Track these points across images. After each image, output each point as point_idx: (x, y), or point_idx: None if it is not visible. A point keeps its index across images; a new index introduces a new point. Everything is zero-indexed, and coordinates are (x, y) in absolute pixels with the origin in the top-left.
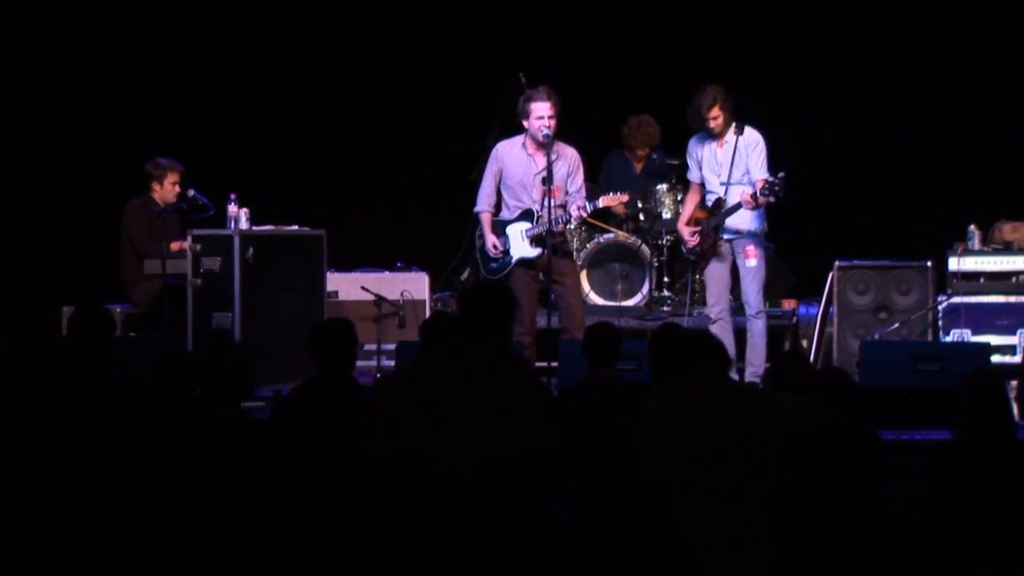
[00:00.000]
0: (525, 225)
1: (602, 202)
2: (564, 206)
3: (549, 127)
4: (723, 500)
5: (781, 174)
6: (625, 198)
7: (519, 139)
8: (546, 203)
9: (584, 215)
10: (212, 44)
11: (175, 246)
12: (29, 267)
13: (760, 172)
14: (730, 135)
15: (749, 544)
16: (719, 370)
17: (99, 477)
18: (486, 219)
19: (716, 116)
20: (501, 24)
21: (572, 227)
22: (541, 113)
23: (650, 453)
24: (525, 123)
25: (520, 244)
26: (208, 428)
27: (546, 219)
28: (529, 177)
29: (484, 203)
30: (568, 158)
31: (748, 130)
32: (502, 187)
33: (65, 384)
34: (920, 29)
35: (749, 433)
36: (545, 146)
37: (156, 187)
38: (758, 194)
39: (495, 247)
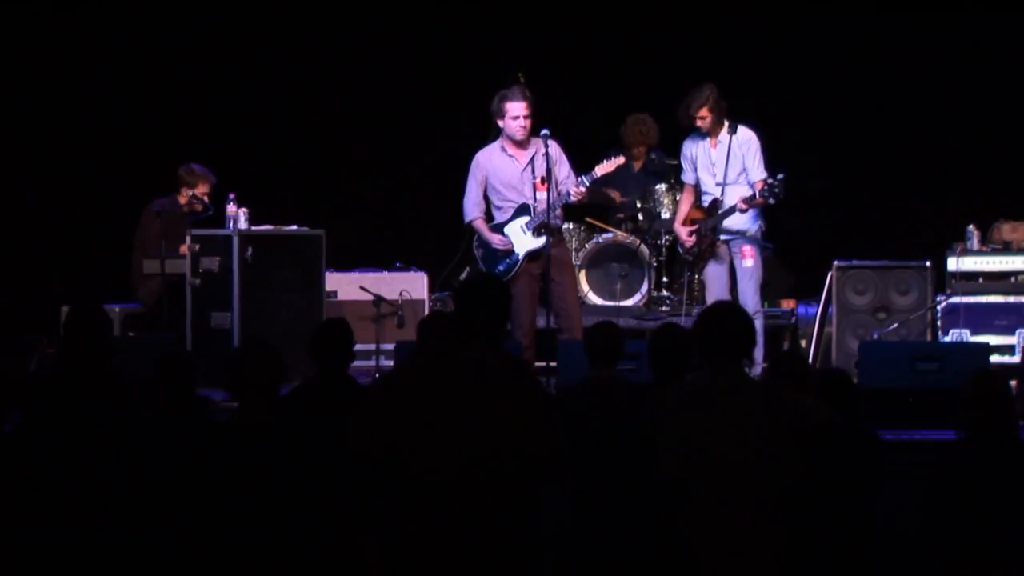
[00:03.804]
0: (524, 219)
1: (598, 171)
2: (559, 193)
3: (525, 127)
4: (741, 499)
5: (780, 176)
6: (621, 160)
7: (496, 144)
8: (539, 197)
9: (583, 190)
10: (211, 44)
11: (184, 248)
12: (29, 267)
13: (758, 172)
14: (723, 135)
15: (764, 543)
16: (737, 368)
17: (97, 477)
18: (481, 225)
19: (704, 116)
20: (501, 24)
21: (571, 226)
22: (517, 113)
23: (670, 451)
24: (500, 122)
25: (523, 239)
26: (209, 427)
27: (542, 209)
28: (516, 176)
29: (476, 211)
30: (550, 149)
31: (742, 129)
32: (490, 193)
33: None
34: (920, 29)
35: (767, 432)
36: (522, 144)
37: (184, 191)
38: (757, 195)
39: (503, 242)
